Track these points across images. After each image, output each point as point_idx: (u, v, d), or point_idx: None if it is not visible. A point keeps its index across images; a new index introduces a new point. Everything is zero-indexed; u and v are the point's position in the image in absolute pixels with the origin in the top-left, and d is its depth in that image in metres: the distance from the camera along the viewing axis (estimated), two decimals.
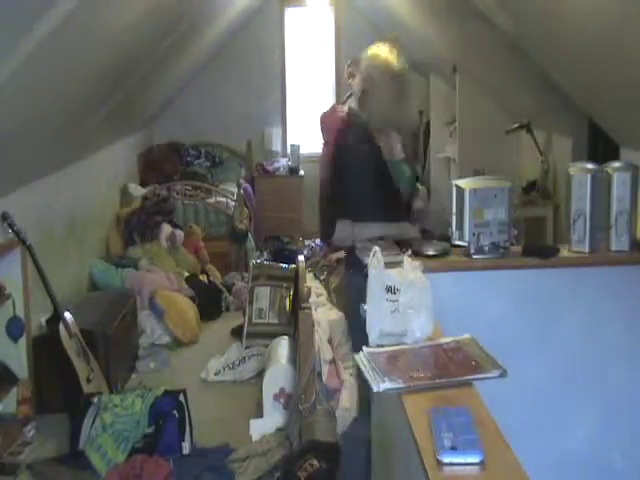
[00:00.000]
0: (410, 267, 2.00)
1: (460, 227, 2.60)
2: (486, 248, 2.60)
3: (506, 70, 4.91)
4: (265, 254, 6.57)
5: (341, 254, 3.48)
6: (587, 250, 2.62)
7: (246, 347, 4.48)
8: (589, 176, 2.60)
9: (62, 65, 3.02)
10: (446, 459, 1.35)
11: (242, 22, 7.40)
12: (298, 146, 7.57)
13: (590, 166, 2.65)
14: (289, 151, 7.69)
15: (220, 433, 3.58)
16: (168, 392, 3.49)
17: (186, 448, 3.35)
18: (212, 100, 7.69)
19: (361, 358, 1.84)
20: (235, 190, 6.76)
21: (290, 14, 7.81)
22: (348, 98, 3.27)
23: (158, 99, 6.69)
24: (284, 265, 4.91)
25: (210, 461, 3.26)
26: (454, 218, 2.61)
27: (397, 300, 1.92)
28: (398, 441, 1.82)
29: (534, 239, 4.80)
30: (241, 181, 7.04)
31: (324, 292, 4.46)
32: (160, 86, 6.11)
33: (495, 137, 5.64)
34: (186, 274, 5.60)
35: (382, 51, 3.18)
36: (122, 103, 4.70)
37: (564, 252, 2.68)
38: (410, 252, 2.61)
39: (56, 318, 3.66)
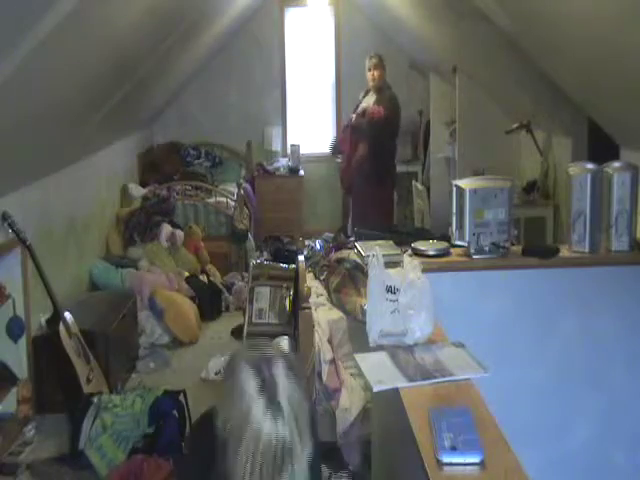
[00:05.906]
0: (410, 267, 2.00)
1: (460, 227, 2.60)
2: (486, 248, 2.60)
3: (506, 70, 4.91)
4: (265, 254, 6.56)
5: (341, 254, 3.48)
6: (587, 250, 2.62)
7: None
8: (589, 176, 2.59)
9: (62, 65, 3.02)
10: (446, 459, 1.35)
11: (242, 22, 7.40)
12: (298, 146, 7.57)
13: (590, 166, 2.65)
14: (289, 151, 7.69)
15: None
16: (168, 392, 3.49)
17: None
18: (212, 100, 7.69)
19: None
20: (235, 190, 6.75)
21: (290, 14, 7.80)
22: None
23: (158, 99, 6.68)
24: (284, 265, 4.90)
25: None
26: (454, 218, 2.61)
27: (397, 300, 1.92)
28: (398, 441, 1.81)
29: (534, 239, 4.79)
30: (241, 181, 7.03)
31: (324, 292, 4.45)
32: (160, 86, 6.11)
33: (495, 137, 5.63)
34: (186, 274, 5.59)
35: None
36: (122, 103, 4.70)
37: (564, 252, 2.68)
38: (410, 252, 2.61)
39: (56, 318, 3.67)
